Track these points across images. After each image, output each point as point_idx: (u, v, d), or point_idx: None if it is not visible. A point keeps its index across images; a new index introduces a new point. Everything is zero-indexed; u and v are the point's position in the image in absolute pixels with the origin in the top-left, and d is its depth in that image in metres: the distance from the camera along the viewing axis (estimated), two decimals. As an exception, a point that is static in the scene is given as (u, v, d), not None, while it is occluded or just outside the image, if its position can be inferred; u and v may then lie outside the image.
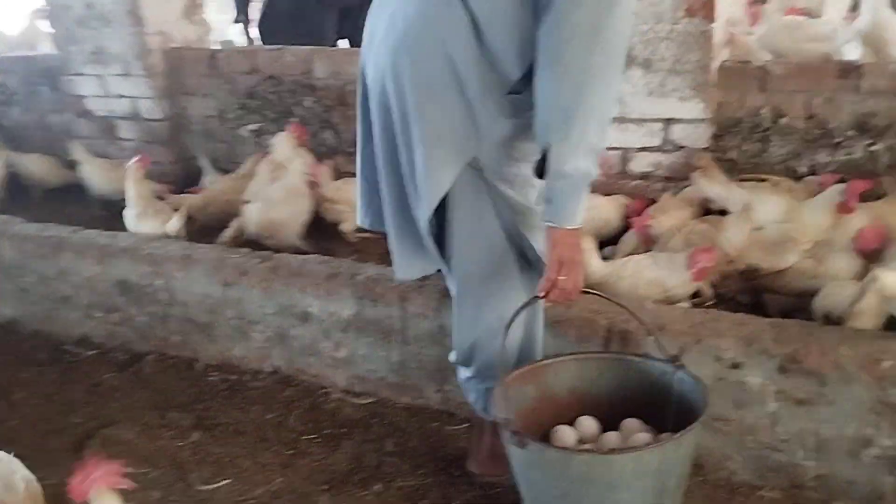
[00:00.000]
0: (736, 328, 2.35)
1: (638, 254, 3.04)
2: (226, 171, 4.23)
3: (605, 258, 3.06)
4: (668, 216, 3.07)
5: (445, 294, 2.48)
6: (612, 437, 2.09)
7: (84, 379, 3.20)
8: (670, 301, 2.76)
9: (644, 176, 3.33)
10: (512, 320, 2.03)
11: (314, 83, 4.00)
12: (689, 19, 3.06)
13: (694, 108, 3.17)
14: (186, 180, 4.34)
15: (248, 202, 3.63)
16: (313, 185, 3.64)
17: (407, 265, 2.21)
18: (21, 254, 3.51)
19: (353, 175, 2.37)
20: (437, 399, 2.81)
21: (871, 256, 2.60)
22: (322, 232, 3.74)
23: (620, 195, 3.31)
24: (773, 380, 2.28)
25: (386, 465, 2.57)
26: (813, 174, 3.08)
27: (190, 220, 3.88)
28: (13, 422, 2.91)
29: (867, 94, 2.97)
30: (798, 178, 3.11)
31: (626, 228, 3.24)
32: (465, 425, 2.69)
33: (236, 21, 5.63)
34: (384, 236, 2.27)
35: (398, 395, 2.88)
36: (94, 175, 4.39)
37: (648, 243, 3.11)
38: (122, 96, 4.49)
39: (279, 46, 4.19)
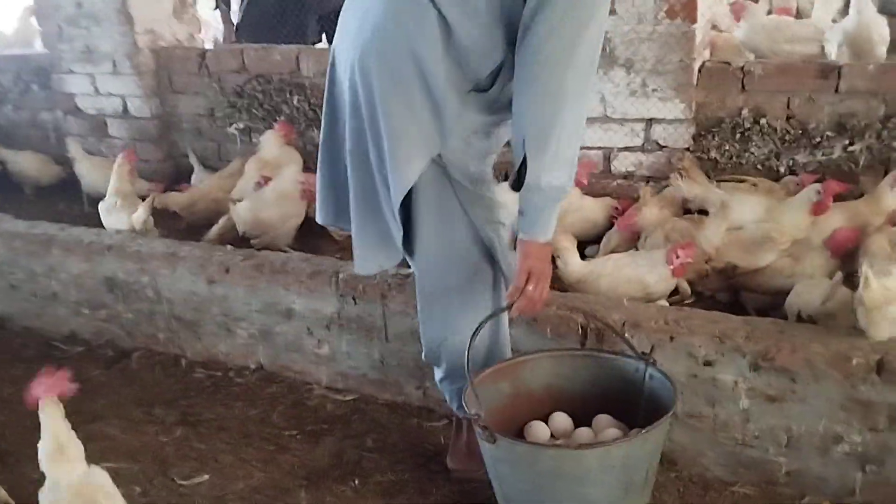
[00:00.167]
0: (709, 326, 2.38)
1: (619, 251, 3.08)
2: (215, 170, 4.27)
3: (589, 257, 3.11)
4: (651, 210, 3.10)
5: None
6: (583, 433, 2.13)
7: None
8: (650, 298, 2.79)
9: (626, 175, 3.36)
10: (479, 328, 2.07)
11: (302, 82, 4.03)
12: (670, 20, 3.09)
13: (675, 109, 3.20)
14: (176, 178, 4.37)
15: (236, 201, 3.65)
16: (307, 194, 3.57)
17: (368, 259, 2.22)
18: (10, 251, 3.53)
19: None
20: (417, 396, 2.84)
21: (844, 257, 2.63)
22: (310, 229, 3.76)
23: (607, 197, 3.33)
24: (745, 377, 2.31)
25: (365, 461, 2.60)
26: (793, 174, 3.11)
27: (176, 217, 3.93)
28: (1, 418, 2.94)
29: (846, 95, 3.00)
30: (778, 178, 3.14)
31: (611, 228, 3.27)
32: (444, 422, 2.72)
33: (215, 9, 5.63)
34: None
35: (380, 391, 2.91)
36: (88, 172, 4.42)
37: (633, 240, 3.14)
38: (111, 94, 4.52)
39: (267, 45, 4.22)
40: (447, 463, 2.49)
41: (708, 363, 2.35)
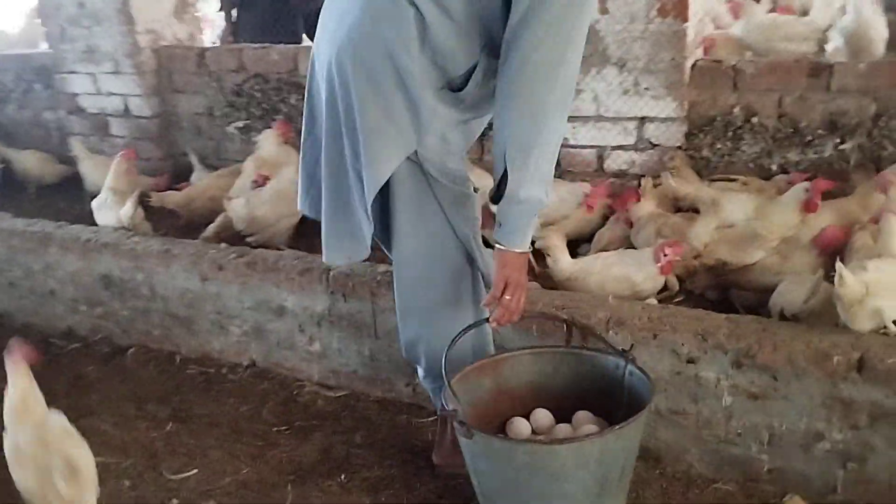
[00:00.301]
0: (692, 323, 2.39)
1: (611, 249, 3.09)
2: (215, 168, 4.29)
3: (582, 255, 3.11)
4: (647, 203, 3.10)
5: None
6: (562, 429, 2.14)
7: (67, 371, 3.26)
8: (639, 296, 2.80)
9: (619, 174, 3.37)
10: (459, 336, 2.11)
11: (299, 81, 4.05)
12: (662, 19, 3.10)
13: (667, 107, 3.20)
14: (177, 177, 4.40)
15: (232, 198, 3.67)
16: None
17: (335, 250, 2.24)
18: (9, 249, 3.58)
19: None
20: (407, 392, 2.86)
21: (832, 254, 2.63)
22: (307, 228, 3.78)
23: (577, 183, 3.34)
24: (727, 374, 2.32)
25: (353, 457, 2.62)
26: (784, 172, 3.10)
27: (175, 216, 3.97)
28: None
29: (837, 93, 3.00)
30: (770, 176, 3.14)
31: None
32: (432, 418, 2.73)
33: (220, 10, 5.66)
34: None
35: (370, 388, 2.93)
36: (91, 171, 4.45)
37: (624, 238, 3.15)
38: (112, 94, 4.56)
39: (265, 45, 4.25)
40: (433, 458, 2.51)
41: (691, 360, 2.36)
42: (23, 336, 3.49)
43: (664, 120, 3.22)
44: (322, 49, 2.12)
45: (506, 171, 1.95)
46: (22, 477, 2.09)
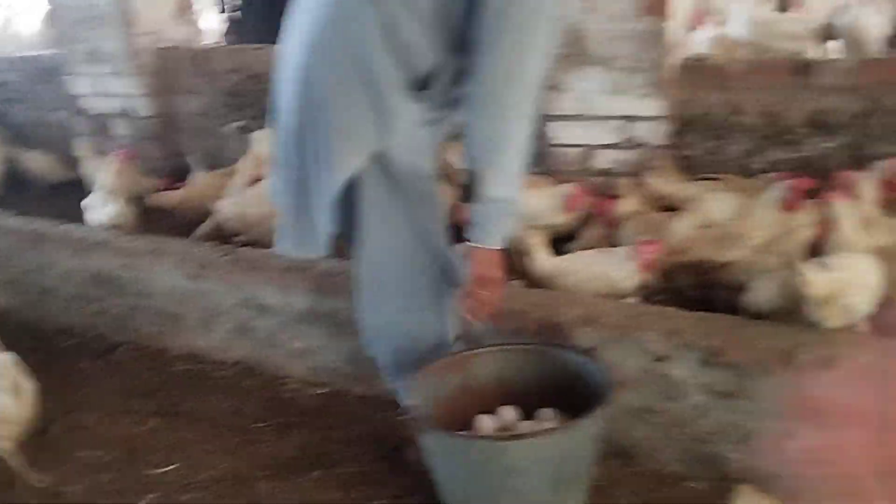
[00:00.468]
0: (662, 322, 2.39)
1: (595, 247, 3.09)
2: (214, 168, 4.33)
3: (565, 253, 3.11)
4: (629, 202, 3.10)
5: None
6: (524, 427, 2.15)
7: (60, 367, 3.32)
8: (618, 294, 2.80)
9: (605, 172, 3.36)
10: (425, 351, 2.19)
11: (294, 81, 4.07)
12: (645, 18, 3.09)
13: (652, 106, 3.20)
14: (178, 177, 4.44)
15: (224, 198, 3.72)
16: None
17: (292, 243, 2.25)
18: (6, 247, 3.65)
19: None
20: (387, 389, 2.86)
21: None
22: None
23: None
24: (696, 373, 2.32)
25: (331, 453, 2.65)
26: (769, 171, 3.08)
27: (170, 215, 4.01)
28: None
29: (821, 92, 2.98)
30: (754, 175, 3.12)
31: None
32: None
33: (222, 11, 5.71)
34: None
35: (352, 385, 2.96)
36: (94, 171, 4.50)
37: (608, 236, 3.14)
38: (114, 95, 4.62)
39: (260, 45, 4.29)
40: (406, 455, 2.53)
41: (660, 359, 2.36)
42: (20, 333, 3.62)
43: (649, 119, 3.22)
44: (289, 50, 2.16)
45: (476, 170, 1.98)
46: None
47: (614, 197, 3.15)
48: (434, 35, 1.99)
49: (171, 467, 2.62)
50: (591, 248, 3.12)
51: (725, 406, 2.31)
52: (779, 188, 2.77)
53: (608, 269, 2.81)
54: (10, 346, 3.48)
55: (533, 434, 1.99)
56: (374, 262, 2.24)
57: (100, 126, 4.79)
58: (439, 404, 2.19)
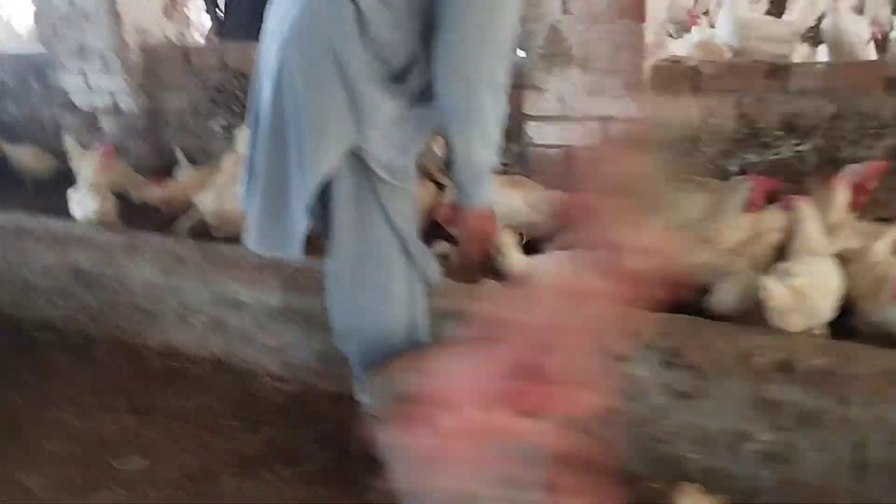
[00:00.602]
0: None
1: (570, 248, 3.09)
2: (200, 165, 4.35)
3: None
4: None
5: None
6: (483, 425, 2.16)
7: (39, 361, 3.35)
8: (590, 296, 2.81)
9: (583, 173, 3.36)
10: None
11: (278, 79, 4.09)
12: (621, 20, 3.09)
13: (628, 107, 3.20)
14: (166, 173, 4.46)
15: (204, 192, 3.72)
16: None
17: (265, 242, 2.26)
18: (-11, 241, 3.68)
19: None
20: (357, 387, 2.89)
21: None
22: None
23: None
24: (657, 373, 2.33)
25: (298, 450, 2.67)
26: (743, 173, 3.08)
27: (154, 211, 4.03)
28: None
29: (795, 95, 2.97)
30: (728, 177, 3.12)
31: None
32: (380, 413, 2.77)
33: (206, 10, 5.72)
34: None
35: (324, 382, 2.97)
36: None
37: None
38: (102, 91, 4.63)
39: (245, 43, 4.30)
40: (372, 453, 2.54)
41: (623, 359, 2.37)
42: (2, 327, 3.66)
43: (625, 120, 3.22)
44: (266, 48, 2.17)
45: (450, 135, 2.04)
46: None
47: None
48: (408, 26, 2.00)
49: (140, 462, 2.64)
50: (567, 247, 3.14)
51: (686, 407, 2.32)
52: (742, 189, 2.77)
53: (577, 269, 2.81)
54: (-7, 342, 3.56)
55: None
56: (345, 258, 2.24)
57: (88, 122, 4.81)
58: (400, 402, 2.20)
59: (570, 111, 3.33)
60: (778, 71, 3.00)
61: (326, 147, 2.06)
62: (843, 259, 2.47)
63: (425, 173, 3.35)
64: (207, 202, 3.61)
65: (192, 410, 2.92)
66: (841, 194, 2.69)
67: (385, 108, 2.07)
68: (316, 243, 2.38)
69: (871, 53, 4.23)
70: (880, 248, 2.46)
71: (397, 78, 2.06)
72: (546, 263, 2.90)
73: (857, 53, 3.95)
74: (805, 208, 2.46)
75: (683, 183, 3.06)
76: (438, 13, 1.93)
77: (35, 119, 5.15)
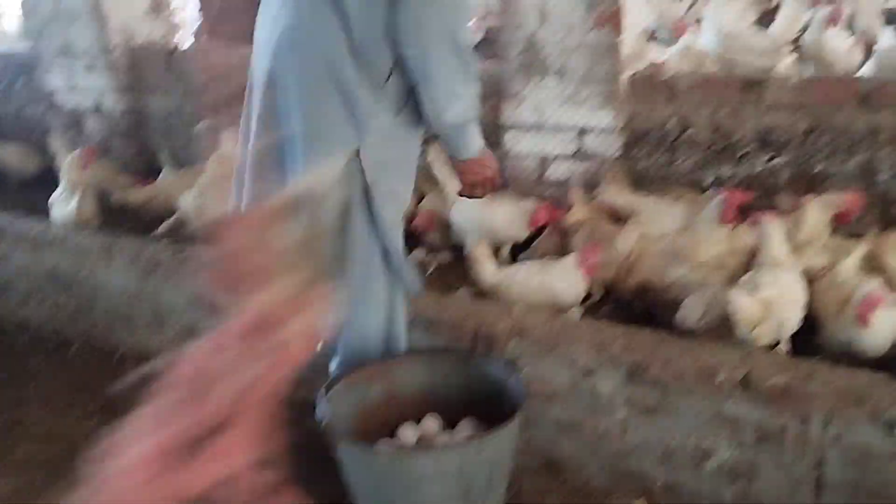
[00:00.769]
0: (590, 335, 2.41)
1: (548, 256, 3.10)
2: (184, 166, 4.35)
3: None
4: (579, 211, 3.11)
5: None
6: (444, 437, 2.16)
7: (13, 362, 3.35)
8: (562, 304, 2.81)
9: (560, 183, 3.37)
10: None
11: (261, 83, 4.09)
12: (598, 31, 3.10)
13: (604, 118, 3.21)
14: (152, 174, 4.46)
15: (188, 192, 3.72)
16: None
17: None
18: (-33, 241, 3.68)
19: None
20: (327, 394, 2.89)
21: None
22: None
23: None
24: (621, 388, 2.33)
25: (264, 458, 2.66)
26: (718, 186, 3.09)
27: (137, 212, 4.03)
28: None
29: (769, 109, 2.98)
30: (704, 189, 3.13)
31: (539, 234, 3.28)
32: (348, 420, 2.77)
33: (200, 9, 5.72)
34: None
35: (294, 389, 2.94)
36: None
37: (560, 246, 3.15)
38: (87, 90, 4.63)
39: (228, 45, 4.30)
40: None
41: (588, 373, 2.38)
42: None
43: (602, 131, 3.23)
44: (258, 58, 2.18)
45: (422, 101, 2.08)
46: None
47: (566, 207, 3.16)
48: (387, 26, 2.01)
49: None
50: (544, 256, 3.14)
51: (649, 422, 2.33)
52: (715, 203, 2.77)
53: (550, 279, 2.82)
54: (-33, 342, 3.56)
55: (436, 447, 2.00)
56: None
57: (73, 121, 4.81)
58: (362, 413, 2.21)
59: (546, 120, 3.34)
60: (753, 85, 3.01)
61: (328, 153, 2.07)
62: (810, 277, 2.48)
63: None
64: (191, 201, 3.61)
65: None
66: (811, 213, 2.69)
67: (379, 111, 2.09)
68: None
69: (856, 60, 4.22)
70: (847, 266, 2.46)
71: (384, 82, 2.08)
72: (516, 275, 2.90)
73: (838, 68, 3.95)
74: (771, 224, 2.46)
75: (660, 195, 3.08)
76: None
77: (21, 117, 5.15)
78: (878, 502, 2.06)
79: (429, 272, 3.29)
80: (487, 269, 2.90)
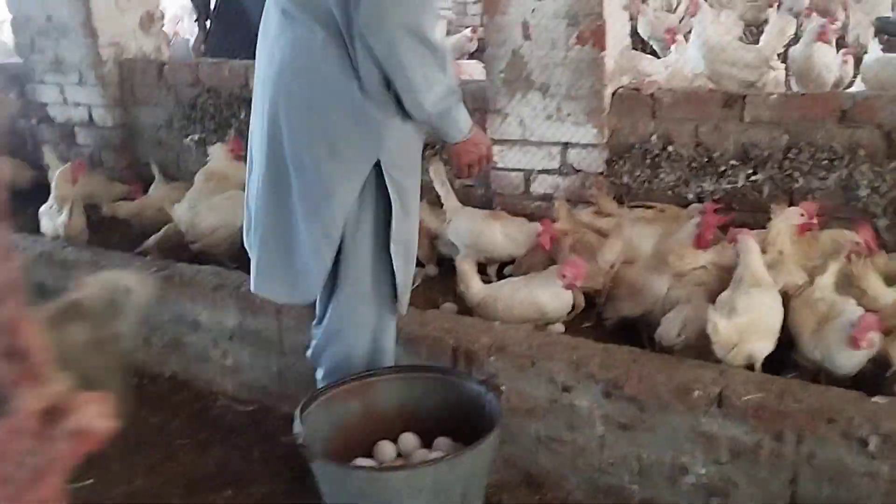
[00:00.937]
0: (568, 352, 2.42)
1: (534, 270, 3.10)
2: (175, 179, 4.37)
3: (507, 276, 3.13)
4: (562, 224, 3.12)
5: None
6: (419, 455, 2.18)
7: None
8: (546, 318, 2.82)
9: (545, 197, 3.39)
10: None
11: (250, 96, 4.09)
12: (580, 47, 3.12)
13: (588, 133, 3.23)
14: (144, 187, 4.49)
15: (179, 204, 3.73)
16: None
17: (273, 287, 2.31)
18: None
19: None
20: (311, 409, 2.91)
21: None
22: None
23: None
24: (598, 404, 2.35)
25: (247, 471, 2.68)
26: (700, 201, 3.10)
27: (126, 225, 4.05)
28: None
29: (750, 124, 3.00)
30: (687, 204, 3.14)
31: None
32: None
33: (196, 20, 5.75)
34: None
35: (278, 403, 2.98)
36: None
37: (545, 262, 3.16)
38: (78, 104, 4.66)
39: (219, 60, 4.34)
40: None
41: (566, 389, 2.39)
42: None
43: (585, 146, 3.24)
44: (259, 89, 2.20)
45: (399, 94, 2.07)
46: None
47: (552, 220, 3.17)
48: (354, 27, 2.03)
49: (88, 482, 2.64)
50: (529, 271, 3.15)
51: (627, 438, 2.34)
52: (692, 224, 2.78)
53: (534, 293, 2.82)
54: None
55: (411, 466, 2.01)
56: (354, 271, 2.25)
57: (65, 134, 4.84)
58: (340, 430, 2.23)
59: (531, 135, 3.36)
60: (734, 100, 3.03)
61: (349, 170, 2.11)
62: (787, 294, 2.49)
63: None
64: (182, 212, 3.61)
65: (146, 429, 2.92)
66: (782, 230, 2.70)
67: (388, 118, 2.10)
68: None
69: (848, 74, 4.26)
70: (823, 283, 2.47)
71: (386, 89, 2.08)
72: (500, 290, 2.91)
73: (825, 83, 3.98)
74: (748, 242, 2.48)
75: (645, 210, 3.10)
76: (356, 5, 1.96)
77: (14, 130, 5.18)
78: (852, 519, 2.07)
79: (415, 285, 3.29)
80: (474, 286, 2.91)
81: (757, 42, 4.36)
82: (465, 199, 3.34)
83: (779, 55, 4.16)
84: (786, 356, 2.46)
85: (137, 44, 4.62)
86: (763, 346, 2.33)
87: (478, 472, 2.02)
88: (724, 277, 2.72)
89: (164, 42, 4.82)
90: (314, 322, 2.45)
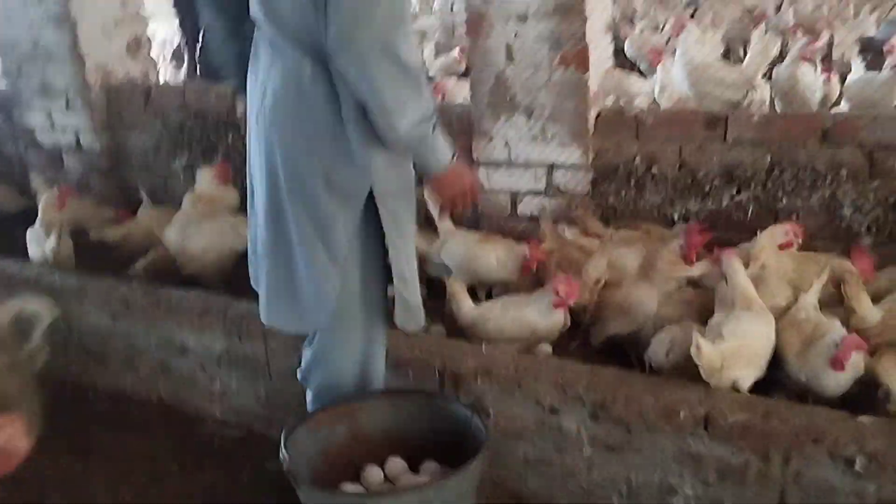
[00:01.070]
0: (554, 374, 2.42)
1: (522, 291, 3.10)
2: (162, 203, 4.37)
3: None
4: (548, 244, 3.13)
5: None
6: (408, 479, 2.17)
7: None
8: (537, 337, 2.81)
9: (531, 218, 3.41)
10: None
11: (236, 121, 4.13)
12: (564, 69, 3.14)
13: (573, 154, 3.25)
14: (132, 211, 4.48)
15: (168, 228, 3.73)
16: None
17: (279, 317, 2.29)
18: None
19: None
20: (299, 433, 2.90)
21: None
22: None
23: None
24: (586, 425, 2.35)
25: (234, 496, 2.67)
26: (685, 221, 3.12)
27: (114, 249, 4.04)
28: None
29: (733, 145, 3.03)
30: (672, 225, 3.16)
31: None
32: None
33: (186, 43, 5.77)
34: None
35: (266, 428, 2.98)
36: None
37: (533, 283, 3.16)
38: (66, 129, 4.66)
39: (206, 84, 4.35)
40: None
41: (553, 411, 2.39)
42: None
43: (570, 167, 3.26)
44: (253, 122, 2.20)
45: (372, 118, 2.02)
46: None
47: (537, 241, 3.18)
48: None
49: (71, 510, 2.63)
50: (518, 292, 3.16)
51: (614, 459, 2.34)
52: (675, 244, 2.80)
53: (525, 312, 2.82)
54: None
55: (397, 491, 2.01)
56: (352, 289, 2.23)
57: (53, 159, 4.84)
58: (326, 455, 2.22)
59: (517, 157, 3.38)
60: (717, 121, 3.06)
61: (347, 201, 2.10)
62: (771, 313, 2.50)
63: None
64: (172, 235, 3.61)
65: (133, 454, 2.91)
66: (766, 247, 2.72)
67: (371, 147, 2.08)
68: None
69: (833, 94, 4.29)
70: (807, 302, 2.49)
71: (364, 118, 2.05)
72: (491, 310, 2.92)
73: (809, 104, 4.01)
74: (733, 262, 2.49)
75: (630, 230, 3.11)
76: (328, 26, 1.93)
77: (2, 156, 5.18)
78: (839, 538, 2.07)
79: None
80: (464, 306, 2.91)
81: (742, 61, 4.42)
82: (452, 220, 3.34)
83: (764, 74, 4.19)
84: (774, 374, 2.46)
85: (125, 68, 4.63)
86: (748, 373, 2.31)
87: (464, 495, 2.02)
88: (709, 297, 2.75)
89: (151, 67, 4.83)
90: (305, 342, 2.44)
